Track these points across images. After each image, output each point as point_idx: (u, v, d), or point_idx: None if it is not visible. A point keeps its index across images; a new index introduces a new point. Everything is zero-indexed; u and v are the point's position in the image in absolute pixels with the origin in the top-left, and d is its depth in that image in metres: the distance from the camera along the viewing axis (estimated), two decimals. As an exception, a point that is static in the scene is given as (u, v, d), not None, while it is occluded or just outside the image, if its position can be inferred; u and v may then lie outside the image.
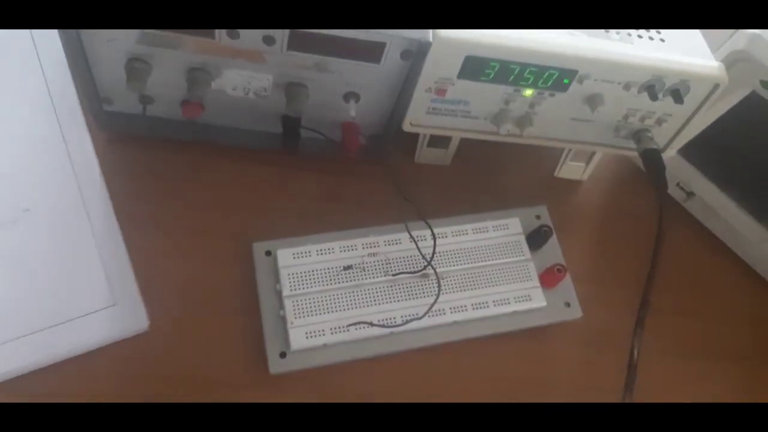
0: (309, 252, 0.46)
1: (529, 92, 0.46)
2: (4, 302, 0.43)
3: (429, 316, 0.46)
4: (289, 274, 0.45)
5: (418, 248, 0.47)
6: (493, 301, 0.48)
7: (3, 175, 0.47)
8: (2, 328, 0.43)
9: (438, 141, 0.53)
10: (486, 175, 0.56)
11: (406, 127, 0.48)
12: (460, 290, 0.48)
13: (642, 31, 0.47)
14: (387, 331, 0.45)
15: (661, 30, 0.47)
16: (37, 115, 0.49)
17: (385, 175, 0.50)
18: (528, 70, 0.44)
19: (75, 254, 0.46)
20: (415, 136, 0.52)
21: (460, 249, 0.49)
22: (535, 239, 0.50)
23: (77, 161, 0.48)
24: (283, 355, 0.44)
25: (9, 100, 0.50)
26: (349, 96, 0.46)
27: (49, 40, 0.52)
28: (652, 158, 0.48)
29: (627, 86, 0.45)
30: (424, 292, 0.47)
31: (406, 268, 0.47)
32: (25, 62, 0.51)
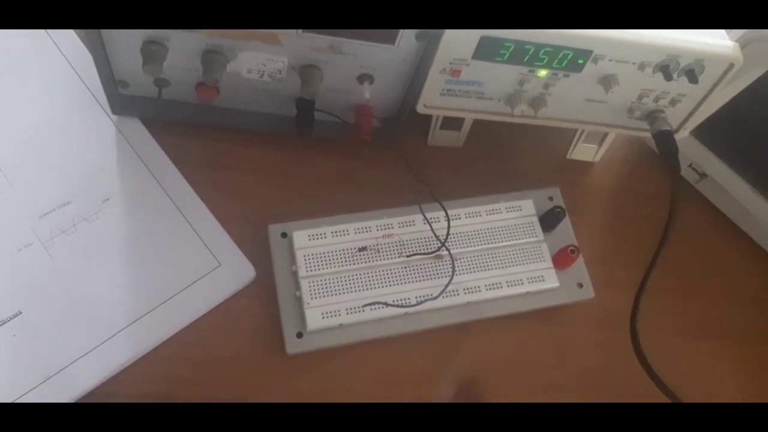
0: (324, 234, 0.47)
1: (543, 73, 0.46)
2: (120, 288, 0.45)
3: (443, 296, 0.46)
4: (304, 256, 0.46)
5: (432, 229, 0.48)
6: (507, 282, 0.48)
7: (75, 171, 0.48)
8: (125, 310, 0.45)
9: (451, 123, 0.53)
10: (498, 156, 0.56)
11: (420, 108, 0.48)
12: (474, 271, 0.48)
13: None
14: (402, 311, 0.46)
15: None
16: (77, 105, 0.50)
17: (399, 157, 0.50)
18: (543, 51, 0.43)
19: (167, 229, 0.47)
20: (428, 118, 0.52)
21: (474, 230, 0.49)
22: (548, 221, 0.50)
23: (135, 142, 0.49)
24: (299, 335, 0.45)
25: (48, 99, 0.50)
26: (363, 78, 0.46)
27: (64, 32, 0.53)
28: (666, 140, 0.48)
29: (641, 66, 0.45)
30: (438, 273, 0.47)
31: (420, 250, 0.47)
32: (48, 56, 0.51)
